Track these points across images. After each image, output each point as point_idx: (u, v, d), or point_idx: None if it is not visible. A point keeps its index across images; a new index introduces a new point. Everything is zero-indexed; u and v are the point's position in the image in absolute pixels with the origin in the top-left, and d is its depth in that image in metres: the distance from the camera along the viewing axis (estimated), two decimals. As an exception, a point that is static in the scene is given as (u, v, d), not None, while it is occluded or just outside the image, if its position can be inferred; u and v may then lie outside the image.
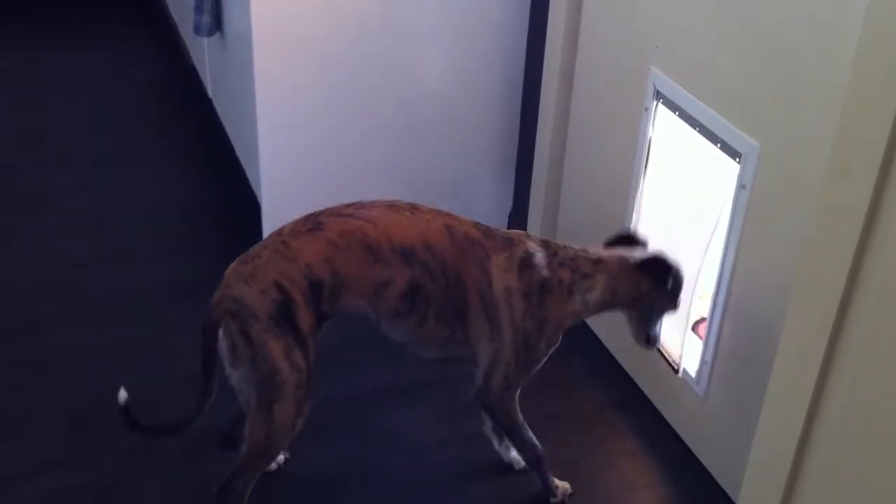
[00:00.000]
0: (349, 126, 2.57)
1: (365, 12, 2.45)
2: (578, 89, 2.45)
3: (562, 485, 2.08)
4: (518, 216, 2.81)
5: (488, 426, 2.13)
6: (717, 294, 2.03)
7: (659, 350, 2.22)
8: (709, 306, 2.07)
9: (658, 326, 1.99)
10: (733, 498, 2.07)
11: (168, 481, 2.10)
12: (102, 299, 2.60)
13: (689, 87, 2.02)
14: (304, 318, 1.77)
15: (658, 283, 1.91)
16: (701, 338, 2.15)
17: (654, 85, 2.11)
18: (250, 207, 2.72)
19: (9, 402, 2.26)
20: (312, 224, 1.82)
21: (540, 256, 1.87)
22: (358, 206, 1.85)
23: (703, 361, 2.11)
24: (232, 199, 2.95)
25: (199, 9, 2.78)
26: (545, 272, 1.86)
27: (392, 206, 1.86)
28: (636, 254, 1.92)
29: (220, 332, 1.78)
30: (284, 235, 1.82)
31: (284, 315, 1.75)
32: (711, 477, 2.15)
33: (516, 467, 2.13)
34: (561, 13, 2.40)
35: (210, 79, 3.24)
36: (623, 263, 1.90)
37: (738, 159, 1.90)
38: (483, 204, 2.77)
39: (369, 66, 2.52)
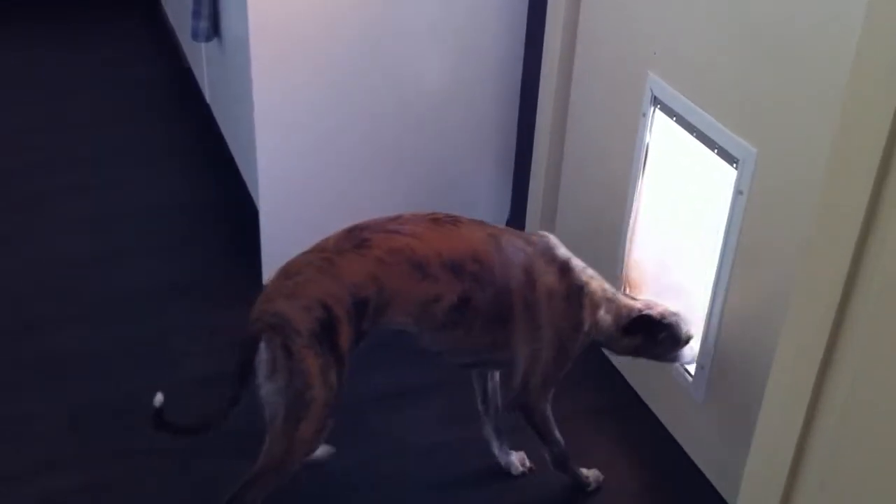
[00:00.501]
0: (346, 130, 2.58)
1: (362, 17, 2.45)
2: (576, 94, 2.46)
3: (592, 473, 2.12)
4: (515, 221, 2.81)
5: (488, 429, 2.15)
6: (714, 298, 2.04)
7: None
8: (706, 311, 2.08)
9: (681, 355, 2.05)
10: (730, 503, 2.08)
11: (168, 482, 2.10)
12: (102, 299, 2.61)
13: (687, 92, 2.03)
14: (345, 336, 1.77)
15: (651, 338, 1.98)
16: (698, 342, 2.16)
17: (652, 90, 2.12)
18: (249, 209, 2.73)
19: (9, 403, 2.27)
20: (358, 241, 1.82)
21: (576, 262, 1.93)
22: (401, 220, 1.86)
23: (699, 366, 2.12)
24: (231, 199, 2.95)
25: (196, 14, 2.78)
26: (582, 277, 1.92)
27: (435, 220, 1.87)
28: (636, 306, 1.98)
29: (261, 345, 1.77)
30: (329, 252, 1.81)
31: (326, 333, 1.75)
32: (709, 482, 2.16)
33: (514, 472, 2.15)
34: (558, 18, 2.41)
35: (208, 83, 3.24)
36: (618, 321, 1.96)
37: (735, 165, 1.91)
38: (481, 208, 2.77)
39: (366, 71, 2.52)
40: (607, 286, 1.98)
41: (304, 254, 1.84)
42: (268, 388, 1.77)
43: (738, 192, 1.92)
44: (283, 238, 2.65)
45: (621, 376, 2.43)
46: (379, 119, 2.60)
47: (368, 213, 2.69)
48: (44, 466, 2.11)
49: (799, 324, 1.50)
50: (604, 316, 1.95)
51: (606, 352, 2.45)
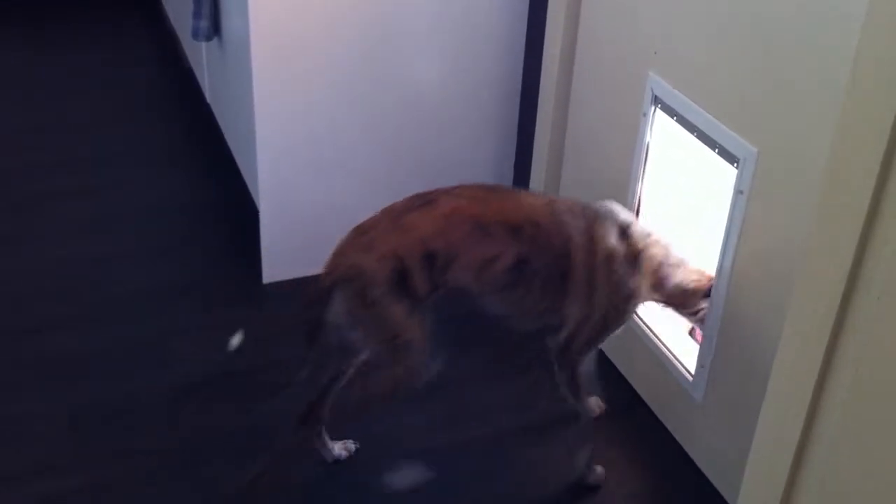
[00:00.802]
0: (346, 129, 2.58)
1: (362, 16, 2.45)
2: (576, 93, 2.46)
3: (598, 469, 2.16)
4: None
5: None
6: (714, 298, 2.04)
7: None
8: (706, 310, 2.08)
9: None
10: (731, 502, 2.08)
11: (167, 482, 2.10)
12: (102, 299, 2.60)
13: (688, 92, 2.03)
14: (420, 285, 1.87)
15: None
16: (698, 342, 2.16)
17: (653, 90, 2.12)
18: (249, 209, 2.73)
19: (8, 403, 2.26)
20: (424, 201, 1.94)
21: (638, 227, 1.98)
22: (463, 187, 1.97)
23: (699, 365, 2.12)
24: (231, 200, 2.95)
25: (197, 14, 2.79)
26: (642, 243, 1.96)
27: (495, 188, 2.03)
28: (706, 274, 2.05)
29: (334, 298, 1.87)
30: (397, 211, 1.92)
31: (401, 282, 1.85)
32: (709, 482, 2.15)
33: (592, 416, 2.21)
34: (559, 17, 2.41)
35: (208, 83, 3.24)
36: (684, 287, 2.04)
37: (735, 164, 1.91)
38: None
39: (367, 70, 2.52)
40: (674, 252, 2.01)
41: (374, 215, 1.95)
42: (354, 337, 1.92)
43: (738, 191, 1.91)
44: (282, 237, 2.65)
45: (621, 375, 2.43)
46: (379, 118, 2.60)
47: (369, 212, 2.70)
48: (44, 467, 2.11)
49: (800, 323, 1.50)
50: (667, 280, 2.00)
51: (605, 350, 2.45)
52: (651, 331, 2.29)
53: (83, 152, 3.25)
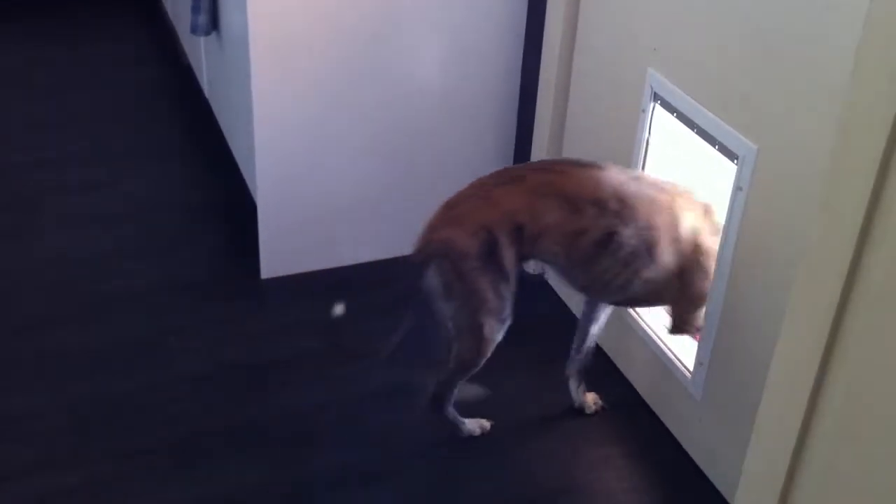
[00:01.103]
0: (345, 125, 2.57)
1: (361, 11, 2.45)
2: (576, 90, 2.45)
3: (591, 396, 2.30)
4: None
5: (572, 369, 2.28)
6: (713, 296, 2.04)
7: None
8: (705, 308, 2.08)
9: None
10: (729, 500, 2.08)
11: (167, 481, 2.10)
12: (101, 295, 2.60)
13: (687, 88, 2.02)
14: (508, 256, 1.95)
15: None
16: (697, 339, 2.16)
17: (652, 87, 2.12)
18: (247, 204, 2.73)
19: (8, 401, 2.26)
20: (512, 176, 2.03)
21: (714, 208, 2.02)
22: (549, 161, 2.06)
23: (698, 363, 2.12)
24: (229, 195, 2.95)
25: (196, 9, 2.78)
26: (722, 221, 2.01)
27: (580, 163, 2.04)
28: None
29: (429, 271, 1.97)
30: (487, 186, 2.00)
31: (490, 254, 1.94)
32: (707, 479, 2.15)
33: (587, 412, 2.30)
34: (558, 14, 2.40)
35: (207, 78, 3.24)
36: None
37: (735, 161, 1.91)
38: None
39: (366, 66, 2.52)
40: None
41: (463, 189, 2.02)
42: (447, 307, 2.00)
43: (737, 188, 1.91)
44: (281, 233, 2.65)
45: (620, 373, 2.43)
46: (378, 114, 2.60)
47: (368, 209, 2.70)
48: (43, 466, 2.11)
49: (799, 321, 1.49)
50: None
51: (604, 347, 2.45)
52: (650, 329, 2.29)
53: (82, 148, 3.24)
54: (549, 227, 1.96)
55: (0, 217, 2.89)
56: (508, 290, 1.98)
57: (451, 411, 2.17)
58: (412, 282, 1.99)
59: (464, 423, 2.20)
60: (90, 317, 2.53)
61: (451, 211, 1.99)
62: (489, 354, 2.05)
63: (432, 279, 1.97)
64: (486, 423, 2.23)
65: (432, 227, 1.98)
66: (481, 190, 1.99)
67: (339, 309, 2.09)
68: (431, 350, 2.12)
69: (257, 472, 2.11)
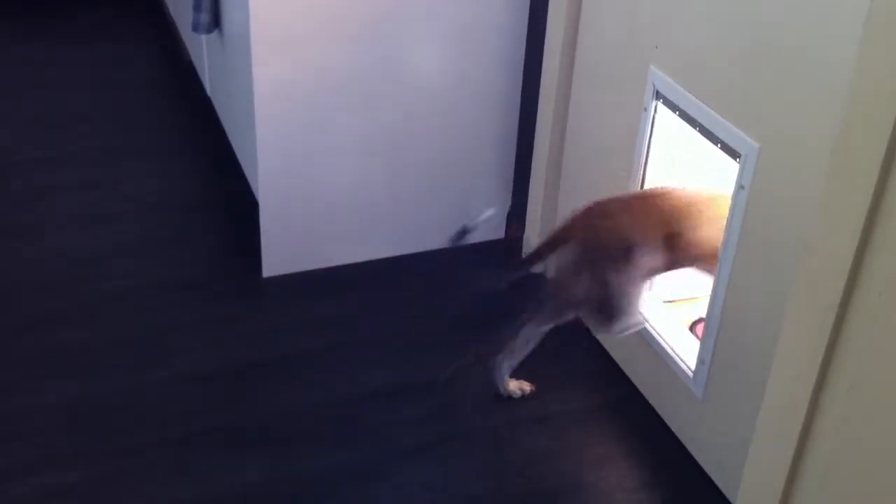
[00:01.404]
0: (347, 123, 2.57)
1: (363, 10, 2.44)
2: (578, 88, 2.45)
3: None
4: (517, 215, 2.81)
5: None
6: (715, 294, 2.03)
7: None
8: (707, 306, 2.07)
9: None
10: (731, 499, 2.07)
11: (167, 480, 2.10)
12: (102, 293, 2.60)
13: (689, 86, 2.02)
14: (645, 261, 2.05)
15: None
16: (699, 338, 2.15)
17: (654, 85, 2.11)
18: (249, 202, 2.73)
19: (7, 399, 2.26)
20: (663, 190, 2.16)
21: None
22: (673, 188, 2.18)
23: (700, 361, 2.12)
24: (231, 193, 2.95)
25: (197, 7, 2.78)
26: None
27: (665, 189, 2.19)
28: None
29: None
30: (637, 196, 2.16)
31: (626, 255, 2.04)
32: (709, 478, 2.15)
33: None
34: (560, 12, 2.40)
35: (208, 76, 3.23)
36: None
37: (737, 160, 1.91)
38: (481, 203, 2.76)
39: (367, 65, 2.51)
40: None
41: (617, 194, 2.20)
42: (572, 282, 2.10)
43: (740, 186, 1.91)
44: (282, 231, 2.65)
45: (621, 371, 2.42)
46: (379, 113, 2.59)
47: (368, 208, 2.70)
48: (43, 464, 2.10)
49: (800, 319, 1.49)
50: None
51: (606, 345, 2.45)
52: (652, 327, 2.28)
53: (82, 149, 3.24)
54: (697, 238, 2.08)
55: (0, 217, 2.89)
56: (641, 291, 2.09)
57: (505, 365, 2.23)
58: (546, 247, 2.10)
59: (507, 381, 2.27)
60: (90, 316, 2.52)
61: (608, 205, 2.11)
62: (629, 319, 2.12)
63: (564, 258, 2.08)
64: (527, 387, 2.29)
65: (586, 214, 2.10)
66: (638, 195, 2.15)
67: (488, 212, 2.23)
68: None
69: (257, 472, 2.11)
